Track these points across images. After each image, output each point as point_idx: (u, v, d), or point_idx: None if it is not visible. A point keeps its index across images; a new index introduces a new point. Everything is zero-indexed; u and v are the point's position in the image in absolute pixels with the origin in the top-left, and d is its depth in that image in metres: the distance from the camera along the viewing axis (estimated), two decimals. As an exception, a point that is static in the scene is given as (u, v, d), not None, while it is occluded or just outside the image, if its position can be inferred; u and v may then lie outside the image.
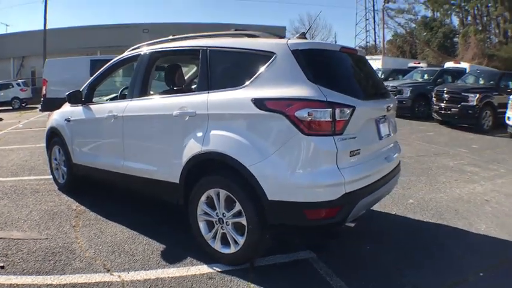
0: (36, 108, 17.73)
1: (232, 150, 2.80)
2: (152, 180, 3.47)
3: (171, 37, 3.89)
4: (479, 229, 3.87)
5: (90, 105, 4.39)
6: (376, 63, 24.71)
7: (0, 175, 6.07)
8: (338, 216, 2.70)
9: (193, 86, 4.23)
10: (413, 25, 45.18)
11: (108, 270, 3.00)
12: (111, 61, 4.42)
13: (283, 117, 2.62)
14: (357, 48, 3.76)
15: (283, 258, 3.17)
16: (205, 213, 3.10)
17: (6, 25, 71.00)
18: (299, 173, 2.63)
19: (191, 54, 3.57)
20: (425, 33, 41.77)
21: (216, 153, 2.89)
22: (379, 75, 17.58)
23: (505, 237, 3.68)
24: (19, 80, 24.85)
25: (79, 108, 4.50)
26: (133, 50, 4.14)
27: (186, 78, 4.43)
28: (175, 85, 3.71)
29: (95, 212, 4.30)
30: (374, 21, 46.94)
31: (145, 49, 3.91)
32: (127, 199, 4.57)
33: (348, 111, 2.68)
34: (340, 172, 2.64)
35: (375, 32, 47.71)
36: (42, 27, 26.59)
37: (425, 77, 14.74)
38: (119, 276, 2.90)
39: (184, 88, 3.88)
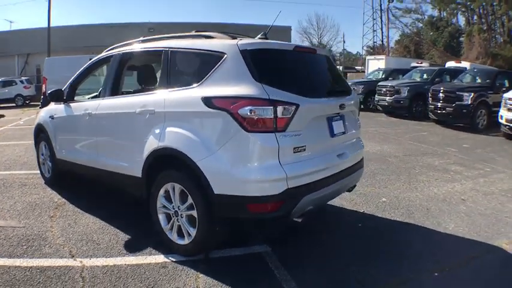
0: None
1: (184, 146, 2.99)
2: (120, 175, 3.68)
3: (141, 38, 4.07)
4: (446, 228, 3.87)
5: (70, 104, 4.61)
6: (379, 63, 24.72)
7: (-8, 169, 6.31)
8: (281, 210, 2.81)
9: None
10: (420, 25, 44.93)
11: (73, 256, 3.20)
12: (90, 61, 4.61)
13: (227, 115, 2.78)
14: (316, 47, 3.90)
15: (239, 251, 3.32)
16: (164, 206, 3.30)
17: (10, 22, 71.26)
18: (241, 168, 2.78)
19: (156, 55, 3.74)
20: (431, 33, 41.53)
21: (170, 148, 3.08)
22: (380, 75, 17.60)
23: (472, 237, 3.66)
24: (22, 78, 25.28)
25: (61, 106, 4.72)
26: (108, 51, 4.33)
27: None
28: (146, 84, 3.89)
29: (74, 204, 4.51)
30: (381, 21, 46.80)
31: (117, 50, 4.10)
32: (106, 193, 4.75)
33: (291, 108, 2.79)
34: (282, 168, 2.76)
35: (382, 32, 47.59)
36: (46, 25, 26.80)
37: (424, 76, 14.75)
38: (81, 262, 3.10)
39: (153, 87, 4.06)
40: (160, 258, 3.19)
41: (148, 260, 3.14)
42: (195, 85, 3.09)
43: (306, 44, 39.78)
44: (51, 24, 26.68)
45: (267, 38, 3.35)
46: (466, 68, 16.57)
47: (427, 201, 4.74)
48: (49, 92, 4.71)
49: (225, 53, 2.98)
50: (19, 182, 5.48)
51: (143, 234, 3.64)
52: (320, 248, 3.48)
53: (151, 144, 3.22)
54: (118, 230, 3.75)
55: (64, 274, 2.95)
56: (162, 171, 3.22)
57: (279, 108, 2.73)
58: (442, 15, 42.44)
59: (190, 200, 3.03)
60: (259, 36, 3.36)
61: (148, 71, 4.02)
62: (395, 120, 12.92)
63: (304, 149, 2.91)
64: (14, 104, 23.15)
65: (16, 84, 23.76)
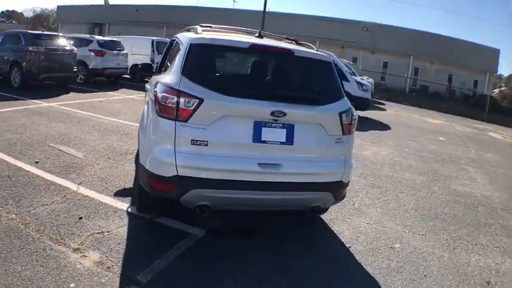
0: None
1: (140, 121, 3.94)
2: None
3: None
4: None
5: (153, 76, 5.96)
6: None
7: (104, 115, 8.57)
8: (172, 194, 3.21)
9: None
10: None
11: (79, 184, 4.55)
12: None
13: (155, 98, 3.33)
14: (289, 48, 3.62)
15: (173, 223, 3.86)
16: None
17: (234, 1, 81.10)
18: (150, 144, 3.32)
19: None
20: None
21: None
22: None
23: None
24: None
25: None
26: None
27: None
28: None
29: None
30: None
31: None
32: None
33: (193, 101, 3.11)
34: (175, 155, 3.11)
35: None
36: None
37: None
38: (78, 188, 4.39)
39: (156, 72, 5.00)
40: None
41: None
42: (166, 71, 3.84)
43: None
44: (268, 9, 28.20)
45: (261, 37, 3.75)
46: None
47: None
48: (141, 63, 6.18)
49: (183, 46, 3.54)
50: (123, 131, 7.33)
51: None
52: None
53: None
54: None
55: (59, 191, 4.33)
56: None
57: (182, 99, 3.08)
58: None
59: None
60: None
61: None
62: None
63: (206, 144, 3.12)
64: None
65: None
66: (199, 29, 3.75)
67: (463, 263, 3.82)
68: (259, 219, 4.18)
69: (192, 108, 3.12)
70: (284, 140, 3.33)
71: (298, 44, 3.99)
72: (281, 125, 3.31)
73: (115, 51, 15.00)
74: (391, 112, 17.01)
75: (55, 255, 3.12)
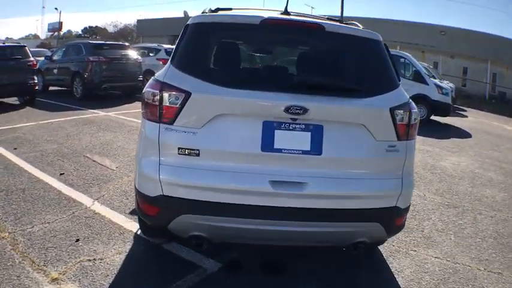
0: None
1: None
2: None
3: None
4: None
5: None
6: None
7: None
8: (158, 219, 2.64)
9: None
10: None
11: (96, 199, 4.22)
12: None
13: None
14: (319, 22, 2.79)
15: (186, 253, 3.25)
16: None
17: (312, 7, 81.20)
18: (139, 157, 2.75)
19: None
20: None
21: None
22: None
23: None
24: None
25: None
26: None
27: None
28: None
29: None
30: None
31: None
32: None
33: (179, 96, 2.48)
34: (159, 167, 2.52)
35: None
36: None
37: None
38: (92, 203, 4.05)
39: None
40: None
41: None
42: None
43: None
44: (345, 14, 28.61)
45: (288, 13, 3.00)
46: None
47: None
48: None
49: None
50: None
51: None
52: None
53: None
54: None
55: (69, 208, 4.05)
56: None
57: (166, 94, 2.50)
58: None
59: None
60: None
61: None
62: None
63: (197, 154, 2.48)
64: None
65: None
66: (210, 9, 3.17)
67: None
68: (292, 248, 3.41)
69: (178, 105, 2.50)
70: (308, 148, 2.51)
71: (343, 23, 3.18)
72: (303, 126, 2.52)
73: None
74: (471, 119, 15.76)
75: (27, 285, 2.72)
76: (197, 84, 2.51)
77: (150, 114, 2.60)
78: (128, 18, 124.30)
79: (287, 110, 2.43)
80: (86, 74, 11.45)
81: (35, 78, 10.59)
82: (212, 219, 2.50)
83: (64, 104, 10.59)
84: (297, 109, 2.43)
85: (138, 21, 47.43)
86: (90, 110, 9.90)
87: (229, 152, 2.51)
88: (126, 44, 14.27)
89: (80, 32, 66.11)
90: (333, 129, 2.55)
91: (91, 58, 11.47)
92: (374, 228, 2.67)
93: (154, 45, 16.79)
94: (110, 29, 60.77)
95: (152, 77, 2.73)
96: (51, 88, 13.29)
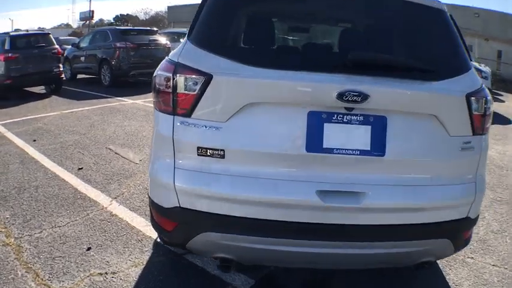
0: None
1: None
2: None
3: None
4: None
5: None
6: None
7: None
8: (175, 236, 2.15)
9: None
10: None
11: (114, 198, 3.83)
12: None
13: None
14: None
15: (212, 267, 2.77)
16: None
17: None
18: (152, 158, 2.23)
19: None
20: None
21: None
22: None
23: None
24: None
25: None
26: None
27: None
28: None
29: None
30: None
31: None
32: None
33: (198, 80, 1.95)
34: (174, 172, 2.03)
35: None
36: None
37: None
38: (110, 203, 3.65)
39: None
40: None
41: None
42: None
43: None
44: None
45: None
46: None
47: None
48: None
49: None
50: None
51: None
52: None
53: None
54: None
55: (84, 208, 3.67)
56: None
57: (180, 78, 1.97)
58: None
59: None
60: None
61: None
62: None
63: (222, 156, 1.97)
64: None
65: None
66: None
67: None
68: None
69: (196, 92, 1.97)
70: (367, 148, 1.95)
71: None
72: (361, 117, 1.95)
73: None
74: (510, 104, 14.64)
75: (26, 309, 2.32)
76: (221, 64, 1.97)
77: (162, 103, 2.07)
78: (159, 5, 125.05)
79: (341, 96, 1.86)
80: (113, 60, 11.17)
81: (60, 66, 10.39)
82: (241, 240, 1.97)
83: (91, 92, 10.37)
84: (354, 95, 1.86)
85: (169, 7, 47.47)
86: (117, 98, 9.60)
87: (263, 153, 1.96)
88: (154, 29, 13.87)
89: (112, 20, 66.73)
90: (398, 122, 1.97)
91: (118, 44, 11.16)
92: (442, 245, 2.13)
93: (184, 30, 16.38)
94: (141, 17, 61.07)
95: (166, 57, 2.21)
96: (79, 76, 13.14)
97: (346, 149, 1.93)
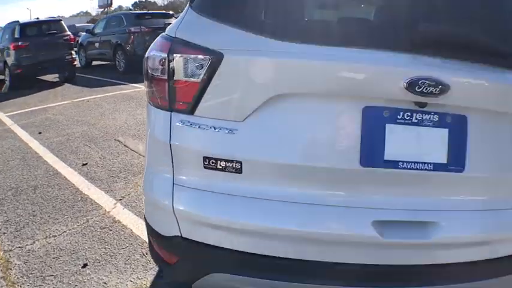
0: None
1: None
2: None
3: None
4: None
5: None
6: None
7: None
8: (177, 271, 1.64)
9: None
10: None
11: (118, 200, 3.44)
12: None
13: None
14: None
15: None
16: None
17: None
18: (145, 168, 1.73)
19: None
20: None
21: None
22: None
23: None
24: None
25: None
26: None
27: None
28: None
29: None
30: None
31: None
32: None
33: (203, 62, 1.39)
34: (172, 190, 1.50)
35: None
36: None
37: None
38: (114, 205, 3.26)
39: None
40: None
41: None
42: None
43: None
44: None
45: None
46: None
47: None
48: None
49: None
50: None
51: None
52: None
53: None
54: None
55: (85, 213, 3.28)
56: None
57: (179, 59, 1.42)
58: None
59: None
60: None
61: None
62: None
63: (238, 170, 1.42)
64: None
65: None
66: None
67: None
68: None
69: (201, 78, 1.41)
70: (444, 161, 1.37)
71: None
72: (435, 117, 1.36)
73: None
74: None
75: None
76: (236, 39, 1.40)
77: (156, 95, 1.53)
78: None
79: (412, 86, 1.28)
80: (128, 46, 10.79)
81: (73, 53, 10.09)
82: (264, 285, 1.47)
83: (105, 79, 10.05)
84: (430, 85, 1.28)
85: (186, -9, 47.10)
86: (131, 85, 9.24)
87: (296, 167, 1.40)
88: (170, 12, 13.42)
89: (131, 7, 66.64)
90: (482, 125, 1.40)
91: (132, 29, 10.77)
92: None
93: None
94: (159, 2, 60.68)
95: (162, 34, 1.70)
96: (94, 63, 12.84)
97: (415, 162, 1.37)
